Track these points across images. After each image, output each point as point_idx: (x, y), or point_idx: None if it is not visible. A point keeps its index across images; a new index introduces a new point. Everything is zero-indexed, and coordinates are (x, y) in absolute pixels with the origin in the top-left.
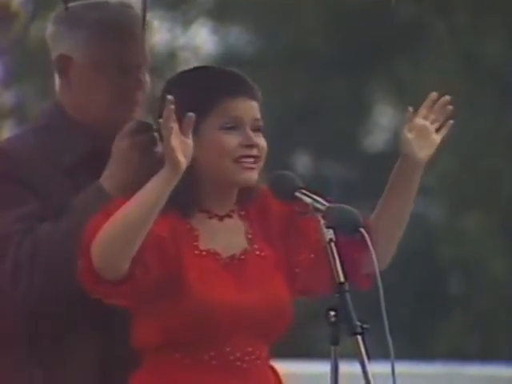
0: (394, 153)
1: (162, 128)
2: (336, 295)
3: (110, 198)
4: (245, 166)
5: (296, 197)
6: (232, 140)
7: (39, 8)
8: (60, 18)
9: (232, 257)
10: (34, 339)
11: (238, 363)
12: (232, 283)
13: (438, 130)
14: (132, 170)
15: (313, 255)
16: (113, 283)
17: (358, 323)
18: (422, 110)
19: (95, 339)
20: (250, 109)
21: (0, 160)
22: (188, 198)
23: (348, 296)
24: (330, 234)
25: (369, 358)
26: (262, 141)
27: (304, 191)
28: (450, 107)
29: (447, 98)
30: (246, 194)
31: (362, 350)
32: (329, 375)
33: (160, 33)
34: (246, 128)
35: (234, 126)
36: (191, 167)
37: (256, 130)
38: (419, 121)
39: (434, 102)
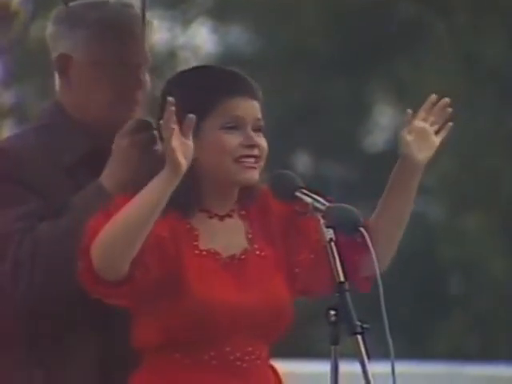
0: (394, 153)
1: (163, 129)
2: (336, 295)
3: (110, 196)
4: (246, 165)
5: (296, 196)
6: (233, 140)
7: (39, 8)
8: (60, 17)
9: (232, 257)
10: (34, 339)
11: (238, 363)
12: (232, 283)
13: (437, 132)
14: (132, 168)
15: (313, 255)
16: (113, 284)
17: (358, 323)
18: (421, 113)
19: (95, 339)
20: (251, 108)
21: (0, 159)
22: (188, 198)
23: (348, 295)
24: (330, 233)
25: (369, 358)
26: (262, 141)
27: (304, 191)
28: (450, 109)
29: (447, 100)
30: (246, 193)
31: (362, 349)
32: (329, 375)
33: (160, 32)
34: (247, 128)
35: (235, 125)
36: (192, 167)
37: (257, 129)
38: (418, 123)
39: (434, 104)
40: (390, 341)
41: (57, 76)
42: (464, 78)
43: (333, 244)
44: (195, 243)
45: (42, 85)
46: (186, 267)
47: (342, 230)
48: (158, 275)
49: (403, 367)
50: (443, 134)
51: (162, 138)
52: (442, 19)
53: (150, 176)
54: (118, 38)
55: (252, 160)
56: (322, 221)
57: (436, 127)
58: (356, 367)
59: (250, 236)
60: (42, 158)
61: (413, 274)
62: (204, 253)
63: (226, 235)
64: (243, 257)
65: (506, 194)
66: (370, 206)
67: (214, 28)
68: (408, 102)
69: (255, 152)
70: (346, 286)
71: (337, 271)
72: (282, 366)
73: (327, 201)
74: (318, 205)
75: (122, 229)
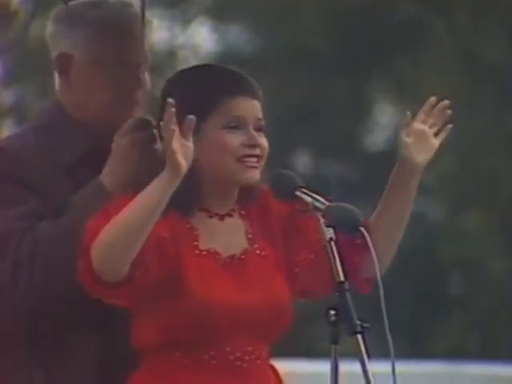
0: (395, 152)
1: (163, 131)
2: (336, 294)
3: (110, 195)
4: (248, 165)
5: (296, 196)
6: (235, 139)
7: (39, 7)
8: (60, 16)
9: (232, 256)
10: (34, 339)
11: (238, 363)
12: (232, 283)
13: (436, 135)
14: (132, 166)
15: (313, 255)
16: (113, 284)
17: (358, 322)
18: (421, 115)
19: (95, 339)
20: (253, 108)
21: (0, 159)
22: (188, 198)
23: (348, 295)
24: (330, 232)
25: (369, 357)
26: (264, 140)
27: (304, 190)
28: (449, 111)
29: (446, 102)
30: (246, 193)
31: (362, 349)
32: (329, 374)
33: (159, 31)
34: (249, 127)
35: (237, 125)
36: (192, 166)
37: (258, 129)
38: (417, 125)
39: (433, 106)
40: (390, 340)
41: (56, 75)
42: (464, 77)
43: (333, 243)
44: (195, 243)
45: (42, 84)
46: (186, 267)
47: (342, 229)
48: (158, 276)
49: (403, 367)
50: (442, 136)
51: (161, 138)
52: (442, 19)
53: (150, 174)
54: (118, 37)
55: (254, 160)
56: (322, 220)
57: (435, 129)
58: (356, 367)
59: (250, 236)
60: (41, 158)
61: (413, 273)
62: (204, 253)
63: (226, 235)
64: (243, 256)
65: (506, 193)
66: (370, 206)
67: (213, 27)
68: (408, 101)
69: (257, 152)
70: (346, 285)
71: (337, 270)
72: (282, 366)
73: (327, 200)
74: (318, 204)
75: (122, 230)
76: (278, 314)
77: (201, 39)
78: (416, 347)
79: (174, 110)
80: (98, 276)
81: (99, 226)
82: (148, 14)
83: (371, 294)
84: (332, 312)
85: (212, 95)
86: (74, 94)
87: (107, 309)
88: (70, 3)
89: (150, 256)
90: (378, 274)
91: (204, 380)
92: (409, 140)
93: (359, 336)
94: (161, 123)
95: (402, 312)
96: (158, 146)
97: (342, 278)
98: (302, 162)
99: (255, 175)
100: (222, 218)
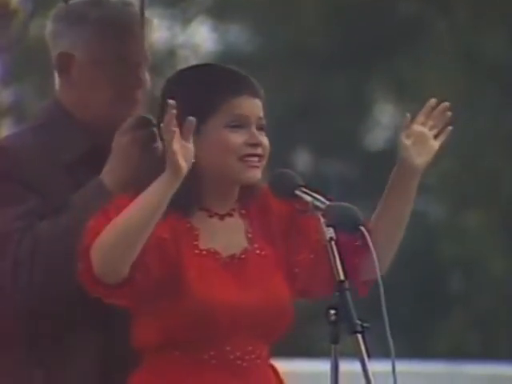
0: (395, 151)
1: (164, 132)
2: (336, 293)
3: (111, 194)
4: (250, 164)
5: (296, 195)
6: (237, 138)
7: (38, 6)
8: (60, 15)
9: (232, 256)
10: (34, 339)
11: (238, 362)
12: (232, 283)
13: (436, 137)
14: (132, 165)
15: (312, 255)
16: (113, 285)
17: (359, 322)
18: (420, 117)
19: (95, 339)
20: (255, 107)
21: None
22: (189, 197)
23: (348, 294)
24: (330, 232)
25: (369, 357)
26: (265, 140)
27: (304, 189)
28: (449, 113)
29: (446, 104)
30: (246, 192)
31: (363, 348)
32: (329, 374)
33: (159, 31)
34: (251, 127)
35: (240, 124)
36: (192, 166)
37: (259, 128)
38: (417, 127)
39: (433, 108)
40: (391, 340)
41: (56, 74)
42: (464, 76)
43: (333, 243)
44: (195, 243)
45: (41, 83)
46: (186, 267)
47: (342, 228)
48: (158, 276)
49: (403, 366)
50: (442, 138)
51: (162, 137)
52: (442, 17)
53: (150, 173)
54: (119, 36)
55: (256, 159)
56: (322, 219)
57: (435, 131)
58: (356, 366)
59: (250, 235)
60: (41, 157)
61: (413, 273)
62: (204, 252)
63: (226, 234)
64: (243, 256)
65: (506, 193)
66: (371, 205)
67: (213, 26)
68: (408, 100)
69: (259, 151)
70: (346, 284)
71: (337, 270)
72: (283, 366)
73: (327, 200)
74: (318, 203)
75: (123, 232)
76: (278, 313)
77: (201, 38)
78: (416, 347)
79: (174, 111)
80: (98, 276)
81: (99, 226)
82: (148, 13)
83: (371, 293)
84: (332, 311)
85: (214, 94)
86: (74, 93)
87: (107, 309)
88: (70, 2)
89: (151, 257)
90: (379, 274)
91: (204, 380)
92: (408, 142)
93: (359, 335)
94: (161, 125)
95: (402, 311)
96: (159, 144)
97: (341, 278)
98: (302, 160)
99: (257, 174)
100: (222, 217)
